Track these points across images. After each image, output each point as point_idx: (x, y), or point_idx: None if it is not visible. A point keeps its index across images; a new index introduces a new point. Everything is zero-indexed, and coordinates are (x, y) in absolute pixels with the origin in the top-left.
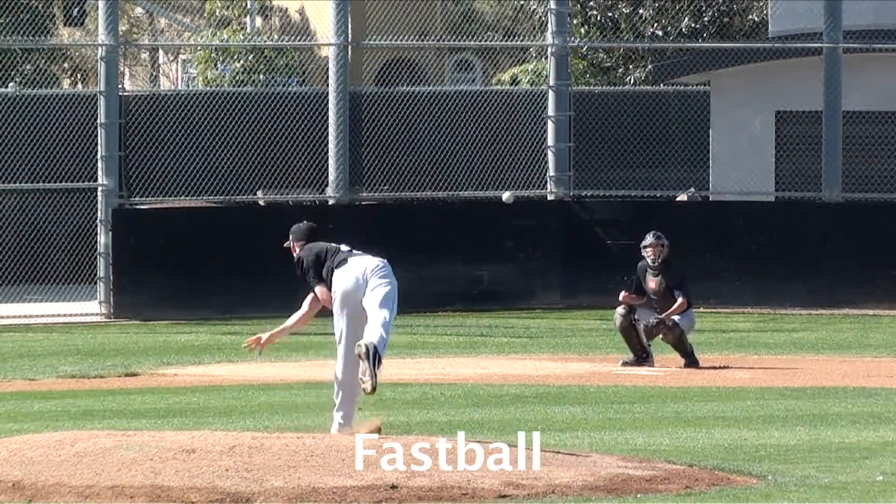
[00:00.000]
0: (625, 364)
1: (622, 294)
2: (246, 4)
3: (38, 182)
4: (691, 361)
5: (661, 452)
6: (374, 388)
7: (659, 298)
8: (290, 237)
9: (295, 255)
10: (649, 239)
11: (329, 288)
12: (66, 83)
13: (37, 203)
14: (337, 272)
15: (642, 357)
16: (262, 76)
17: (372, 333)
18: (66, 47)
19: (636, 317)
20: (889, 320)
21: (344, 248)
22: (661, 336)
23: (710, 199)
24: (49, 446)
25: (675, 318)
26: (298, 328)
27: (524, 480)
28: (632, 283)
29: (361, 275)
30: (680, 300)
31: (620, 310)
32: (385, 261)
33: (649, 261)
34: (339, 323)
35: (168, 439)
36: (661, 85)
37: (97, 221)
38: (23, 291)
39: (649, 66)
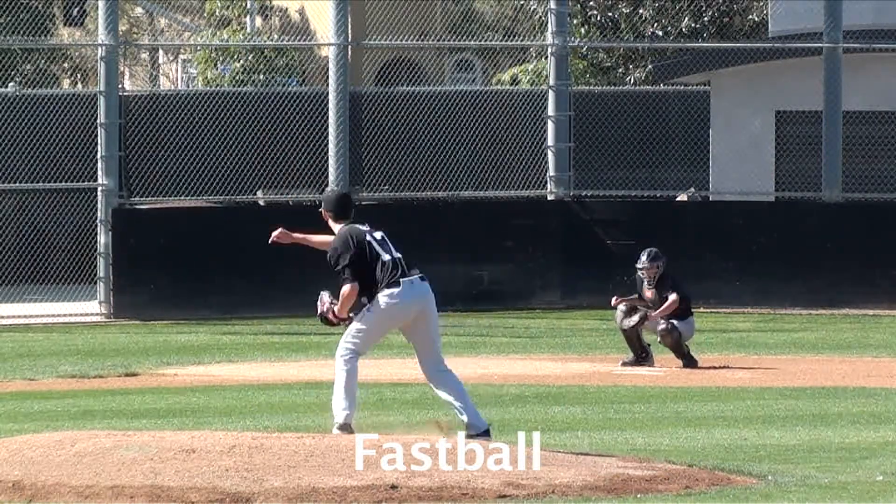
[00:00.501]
0: (624, 364)
1: (614, 299)
2: (246, 4)
3: (38, 182)
4: (689, 362)
5: (661, 452)
6: None
7: (655, 307)
8: (322, 205)
9: (329, 224)
10: (643, 261)
11: (365, 291)
12: (66, 83)
13: (37, 203)
14: (387, 295)
15: (642, 357)
16: (262, 76)
17: (474, 415)
18: (66, 47)
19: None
20: (889, 320)
21: (384, 254)
22: (658, 339)
23: (710, 199)
24: (49, 446)
25: (675, 322)
26: (314, 245)
27: (524, 480)
28: (634, 283)
29: (417, 306)
30: (672, 296)
31: (622, 307)
32: (427, 285)
33: (646, 281)
34: (367, 332)
35: (168, 439)
36: (661, 85)
37: (97, 221)
38: (23, 291)
39: (649, 66)
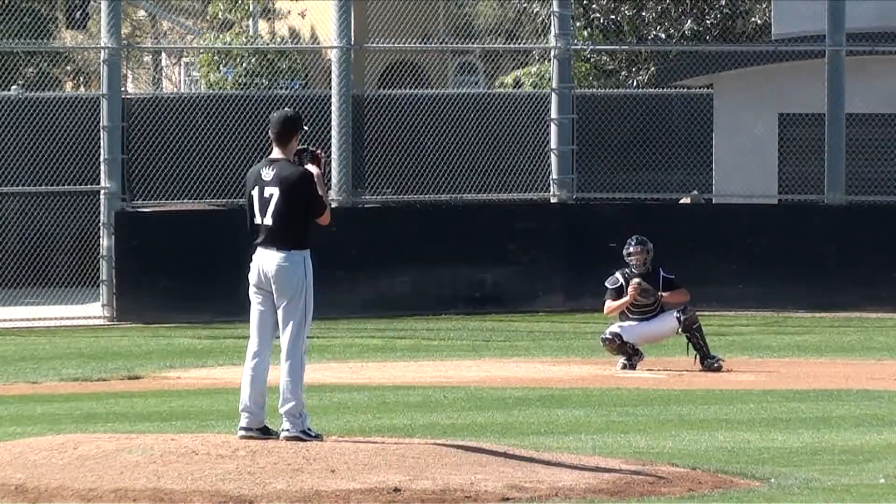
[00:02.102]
0: (623, 367)
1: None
2: (248, 7)
3: (40, 185)
4: (708, 362)
5: (664, 455)
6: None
7: (642, 304)
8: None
9: None
10: (632, 246)
11: None
12: (68, 86)
13: (39, 206)
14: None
15: (633, 354)
16: (264, 79)
17: (285, 415)
18: (68, 50)
19: (625, 338)
20: (893, 323)
21: (257, 215)
22: (677, 329)
23: (714, 201)
24: (52, 449)
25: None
26: None
27: (527, 483)
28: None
29: (263, 277)
30: (682, 292)
31: (607, 334)
32: (286, 256)
33: (634, 269)
34: None
35: (171, 442)
36: (665, 88)
37: (100, 224)
38: (25, 294)
39: (652, 69)
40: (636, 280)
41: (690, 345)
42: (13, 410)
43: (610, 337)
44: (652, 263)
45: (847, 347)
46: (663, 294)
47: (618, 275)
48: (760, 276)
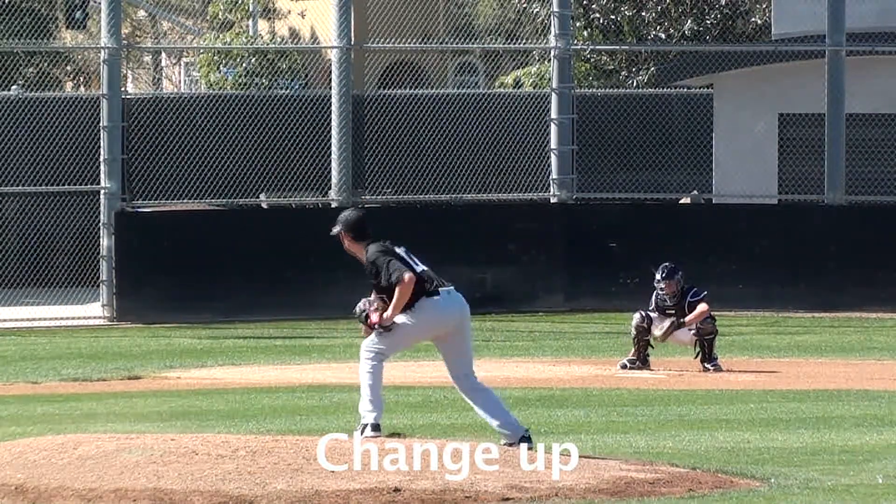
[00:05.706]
0: (624, 367)
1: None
2: (248, 7)
3: (40, 185)
4: (706, 366)
5: (665, 455)
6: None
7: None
8: (339, 225)
9: (346, 245)
10: (660, 279)
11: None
12: (68, 86)
13: (39, 206)
14: (430, 303)
15: (643, 361)
16: (264, 80)
17: (510, 426)
18: (68, 50)
19: (653, 325)
20: (892, 323)
21: (416, 265)
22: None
23: (714, 201)
24: (52, 449)
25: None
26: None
27: (527, 483)
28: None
29: (453, 319)
30: (703, 307)
31: (642, 314)
32: (462, 296)
33: (668, 300)
34: (401, 336)
35: (171, 442)
36: (664, 88)
37: (100, 224)
38: (25, 294)
39: (652, 69)
40: (658, 335)
41: (697, 344)
42: (13, 410)
43: (643, 315)
44: (682, 287)
45: (847, 347)
46: (685, 321)
47: (652, 301)
48: (760, 276)
